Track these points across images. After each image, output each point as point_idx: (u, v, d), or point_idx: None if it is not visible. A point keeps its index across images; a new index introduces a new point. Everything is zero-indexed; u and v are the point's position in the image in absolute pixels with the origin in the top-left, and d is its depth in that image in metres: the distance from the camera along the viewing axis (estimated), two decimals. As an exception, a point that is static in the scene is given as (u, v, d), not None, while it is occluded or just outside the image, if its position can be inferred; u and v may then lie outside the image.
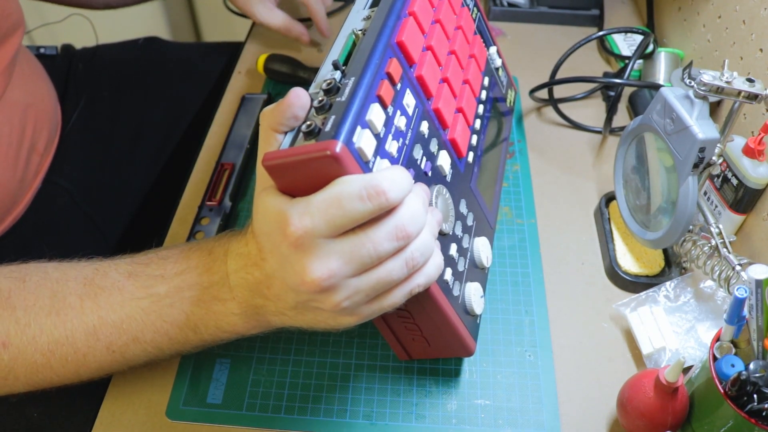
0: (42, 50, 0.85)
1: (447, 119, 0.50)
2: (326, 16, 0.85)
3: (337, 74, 0.42)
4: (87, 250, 0.76)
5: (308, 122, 0.39)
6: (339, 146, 0.36)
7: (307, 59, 0.85)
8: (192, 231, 0.65)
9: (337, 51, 0.46)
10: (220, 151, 0.73)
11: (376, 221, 0.37)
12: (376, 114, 0.40)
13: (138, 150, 0.84)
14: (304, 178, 0.37)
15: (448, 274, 0.46)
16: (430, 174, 0.46)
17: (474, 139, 0.55)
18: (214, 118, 0.79)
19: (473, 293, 0.49)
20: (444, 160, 0.48)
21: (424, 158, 0.46)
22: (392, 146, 0.42)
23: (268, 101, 0.80)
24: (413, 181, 0.39)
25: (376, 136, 0.40)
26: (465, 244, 0.50)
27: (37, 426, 0.59)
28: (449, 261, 0.47)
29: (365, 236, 0.37)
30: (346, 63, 0.44)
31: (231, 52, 0.93)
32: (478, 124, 0.57)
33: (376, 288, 0.39)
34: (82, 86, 0.84)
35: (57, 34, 1.10)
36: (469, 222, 0.52)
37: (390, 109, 0.42)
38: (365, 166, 0.38)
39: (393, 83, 0.43)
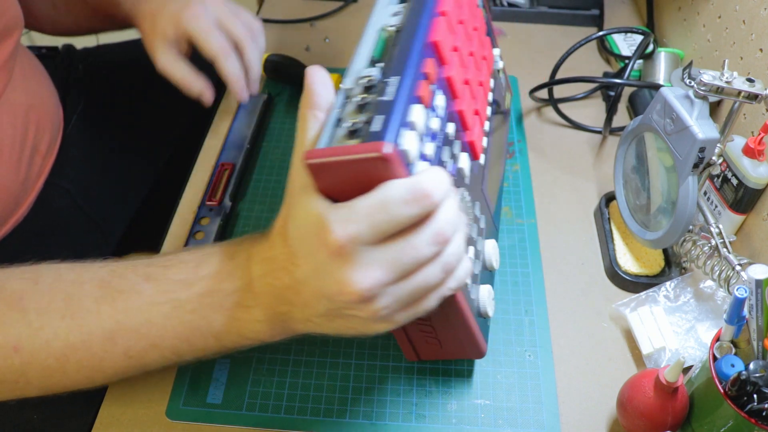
0: (43, 50, 0.84)
1: (468, 121, 0.49)
2: (255, 68, 0.69)
3: (374, 71, 0.41)
4: (88, 250, 0.76)
5: (353, 120, 0.37)
6: (390, 147, 0.34)
7: (307, 59, 0.85)
8: (192, 231, 0.65)
9: (368, 47, 0.44)
10: (220, 151, 0.73)
11: (415, 226, 0.36)
12: (417, 114, 0.38)
13: (138, 150, 0.84)
14: (348, 180, 0.36)
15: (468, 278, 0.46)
16: (455, 177, 0.46)
17: (485, 142, 0.55)
18: (214, 118, 0.79)
19: (486, 296, 0.49)
20: (464, 162, 0.47)
21: (451, 160, 0.45)
22: (429, 148, 0.40)
23: (268, 101, 0.80)
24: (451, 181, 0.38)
25: (419, 137, 0.39)
26: (479, 247, 0.50)
27: (38, 428, 0.59)
28: None
29: (406, 242, 0.35)
30: (380, 60, 0.43)
31: None
32: (487, 126, 0.57)
33: (414, 294, 0.38)
34: (83, 87, 0.84)
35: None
36: (482, 224, 0.51)
37: (428, 111, 0.41)
38: (410, 169, 0.37)
39: (431, 83, 0.42)
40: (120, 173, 0.82)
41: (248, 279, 0.42)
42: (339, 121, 0.38)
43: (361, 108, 0.38)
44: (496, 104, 0.62)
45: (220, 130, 0.77)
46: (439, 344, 0.50)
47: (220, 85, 0.86)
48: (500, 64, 0.65)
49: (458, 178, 0.46)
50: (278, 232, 0.41)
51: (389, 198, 0.34)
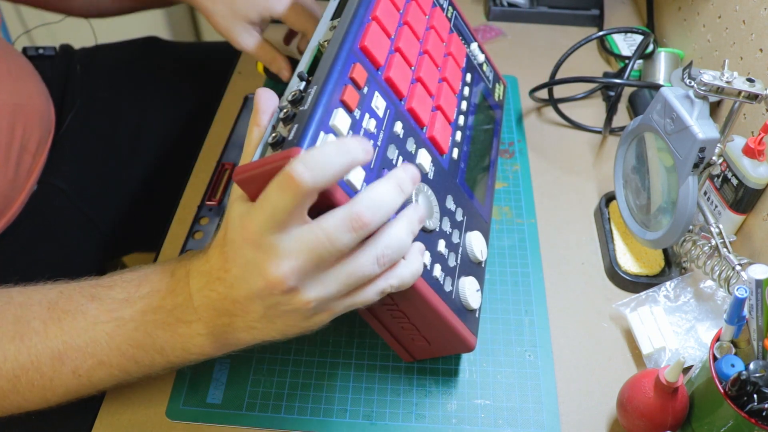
0: (41, 51, 0.84)
1: (423, 118, 0.50)
2: None
3: (302, 85, 0.43)
4: (85, 250, 0.76)
5: (273, 134, 0.39)
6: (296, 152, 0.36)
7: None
8: (191, 231, 0.65)
9: (303, 63, 0.47)
10: (221, 151, 0.73)
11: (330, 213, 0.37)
12: (340, 119, 0.40)
13: (137, 150, 0.84)
14: None
15: (437, 271, 0.46)
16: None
17: (458, 135, 0.56)
18: (215, 118, 0.79)
19: (468, 287, 0.49)
20: (424, 158, 0.49)
21: (400, 157, 0.46)
22: None
23: (269, 101, 0.80)
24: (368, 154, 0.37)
25: None
26: (455, 239, 0.50)
27: (37, 428, 0.59)
28: (438, 257, 0.47)
29: (318, 227, 0.36)
30: (311, 73, 0.45)
31: (231, 52, 0.93)
32: (461, 120, 0.57)
33: (347, 283, 0.38)
34: (81, 86, 0.83)
35: (56, 34, 1.10)
36: (459, 217, 0.52)
37: (357, 113, 0.43)
38: None
39: (358, 87, 0.44)
40: (119, 173, 0.82)
41: (188, 294, 0.43)
42: (270, 136, 0.41)
43: (286, 121, 0.40)
44: (477, 97, 0.63)
45: (220, 130, 0.77)
46: (426, 342, 0.50)
47: (218, 85, 0.86)
48: (480, 58, 0.66)
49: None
50: (216, 244, 0.42)
51: (288, 178, 0.35)
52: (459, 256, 0.50)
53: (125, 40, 0.93)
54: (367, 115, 0.44)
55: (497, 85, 0.70)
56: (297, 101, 0.41)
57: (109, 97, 0.84)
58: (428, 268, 0.45)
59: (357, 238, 0.36)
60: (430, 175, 0.49)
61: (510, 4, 0.94)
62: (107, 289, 0.45)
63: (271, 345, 0.56)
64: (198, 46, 1.09)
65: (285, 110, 0.41)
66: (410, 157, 0.47)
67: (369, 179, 0.41)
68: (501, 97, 0.71)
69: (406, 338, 0.51)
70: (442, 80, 0.56)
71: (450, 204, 0.51)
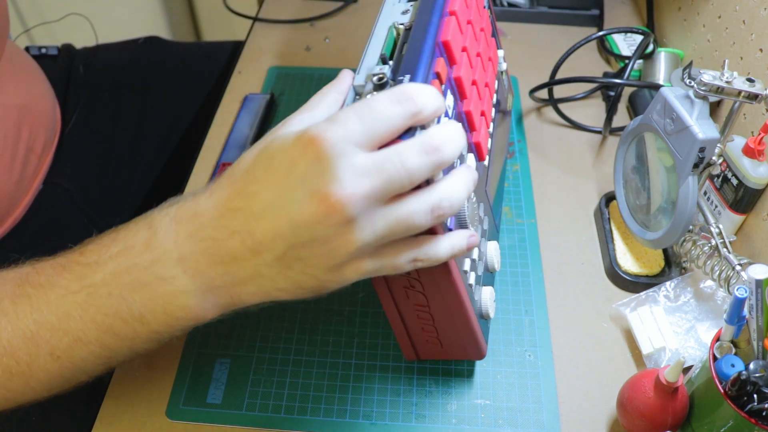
0: (43, 50, 0.85)
1: (475, 122, 0.49)
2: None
3: (386, 69, 0.40)
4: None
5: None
6: None
7: (308, 59, 0.85)
8: (192, 231, 0.65)
9: (378, 44, 0.44)
10: (221, 151, 0.73)
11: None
12: None
13: (139, 150, 0.84)
14: None
15: (472, 278, 0.46)
16: None
17: (489, 143, 0.55)
18: (215, 118, 0.79)
19: (488, 297, 0.49)
20: (471, 163, 0.47)
21: (458, 161, 0.45)
22: None
23: (271, 101, 0.80)
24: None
25: None
26: (482, 248, 0.50)
27: (38, 428, 0.59)
28: (472, 265, 0.47)
29: (393, 149, 0.33)
30: (391, 57, 0.43)
31: (231, 52, 0.93)
32: (491, 127, 0.57)
33: (393, 231, 0.34)
34: (83, 86, 0.84)
35: (55, 33, 1.10)
36: (485, 226, 0.52)
37: None
38: None
39: (441, 83, 0.42)
40: (121, 173, 0.82)
41: (170, 245, 0.37)
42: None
43: None
44: (499, 105, 0.62)
45: (220, 130, 0.77)
46: (439, 344, 0.50)
47: (218, 85, 0.86)
48: (503, 66, 0.65)
49: None
50: (216, 183, 0.37)
51: (373, 101, 0.33)
52: (483, 265, 0.50)
53: (126, 40, 0.93)
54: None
55: (509, 95, 0.70)
56: (384, 86, 0.39)
57: (110, 97, 0.84)
58: (467, 272, 0.45)
59: (429, 164, 0.33)
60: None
61: (510, 4, 0.94)
62: (78, 255, 0.40)
63: (271, 345, 0.56)
64: (198, 46, 1.09)
65: (373, 93, 0.37)
66: (463, 161, 0.46)
67: None
68: (510, 107, 0.70)
69: (420, 338, 0.50)
70: (485, 85, 0.54)
71: (481, 212, 0.50)
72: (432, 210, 0.34)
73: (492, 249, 0.52)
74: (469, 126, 0.49)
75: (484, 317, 0.49)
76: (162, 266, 0.37)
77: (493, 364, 0.55)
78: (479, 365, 0.55)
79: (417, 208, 0.34)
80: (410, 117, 0.33)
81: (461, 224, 0.43)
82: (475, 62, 0.52)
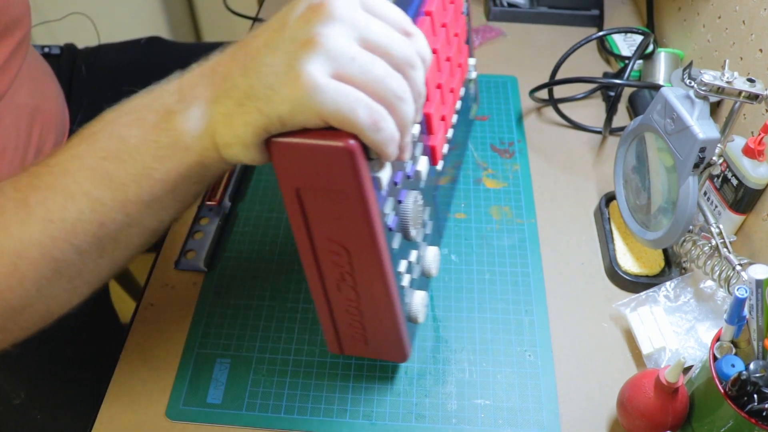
0: (47, 49, 0.84)
1: (434, 125, 0.49)
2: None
3: None
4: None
5: None
6: (353, 141, 0.35)
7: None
8: (191, 231, 0.65)
9: None
10: (220, 150, 0.73)
11: None
12: None
13: None
14: (314, 165, 0.36)
15: (406, 281, 0.46)
16: (411, 178, 0.46)
17: (446, 149, 0.55)
18: (214, 118, 0.79)
19: (420, 302, 0.49)
20: (423, 165, 0.48)
21: (410, 162, 0.45)
22: None
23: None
24: None
25: None
26: (422, 252, 0.50)
27: (40, 427, 0.59)
28: (408, 267, 0.47)
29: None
30: None
31: None
32: (450, 133, 0.57)
33: (363, 69, 0.34)
34: (86, 86, 0.84)
35: (56, 33, 1.10)
36: (428, 230, 0.52)
37: None
38: (370, 163, 0.37)
39: None
40: None
41: (173, 85, 0.39)
42: None
43: None
44: (462, 113, 0.62)
45: (220, 129, 0.77)
46: (364, 341, 0.49)
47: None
48: (473, 74, 0.65)
49: (414, 180, 0.47)
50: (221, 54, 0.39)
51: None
52: (419, 269, 0.50)
53: (128, 40, 0.93)
54: None
55: (474, 105, 0.70)
56: None
57: (113, 96, 0.84)
58: (402, 274, 0.45)
59: (394, 43, 0.35)
60: (422, 185, 0.49)
61: (510, 4, 0.94)
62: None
63: (271, 345, 0.56)
64: (199, 46, 1.09)
65: None
66: (415, 162, 0.47)
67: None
68: (473, 116, 0.70)
69: (346, 333, 0.49)
70: (451, 91, 0.55)
71: (426, 216, 0.51)
72: (387, 70, 0.35)
73: (431, 254, 0.52)
74: (427, 129, 0.49)
75: (412, 320, 0.49)
76: (161, 98, 0.39)
77: (493, 364, 0.55)
78: (479, 365, 0.55)
79: (379, 65, 0.35)
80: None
81: (403, 225, 0.44)
82: (444, 66, 0.52)
